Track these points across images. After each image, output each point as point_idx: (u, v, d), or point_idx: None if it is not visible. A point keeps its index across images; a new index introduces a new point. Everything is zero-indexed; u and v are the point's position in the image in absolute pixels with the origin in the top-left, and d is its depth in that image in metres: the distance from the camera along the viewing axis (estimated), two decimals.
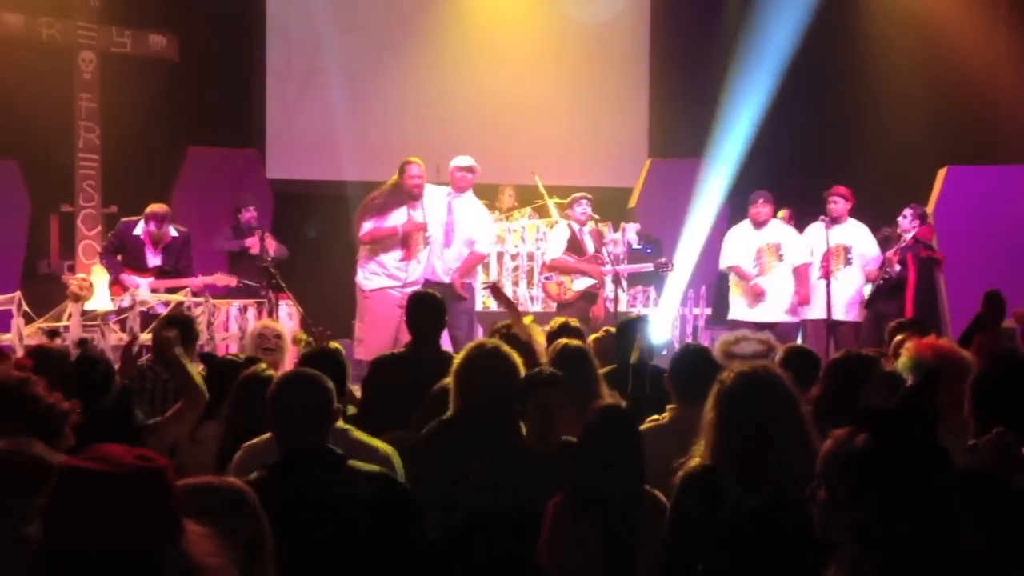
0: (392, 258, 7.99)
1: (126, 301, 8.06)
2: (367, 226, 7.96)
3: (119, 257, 8.70)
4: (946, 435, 3.27)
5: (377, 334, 7.74)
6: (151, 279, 8.53)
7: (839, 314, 8.50)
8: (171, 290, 8.47)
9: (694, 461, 3.07)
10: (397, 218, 7.97)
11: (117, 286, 8.51)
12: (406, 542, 3.05)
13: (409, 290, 7.71)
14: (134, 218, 8.81)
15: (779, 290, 8.86)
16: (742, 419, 2.95)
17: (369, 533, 2.96)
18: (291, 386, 3.18)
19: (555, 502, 3.25)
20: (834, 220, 8.64)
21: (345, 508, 2.96)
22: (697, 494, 2.99)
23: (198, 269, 8.99)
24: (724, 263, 9.11)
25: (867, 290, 8.79)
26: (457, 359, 3.91)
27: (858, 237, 8.81)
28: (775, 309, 8.83)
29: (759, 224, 8.94)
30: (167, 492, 1.85)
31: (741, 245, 9.01)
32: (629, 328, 4.79)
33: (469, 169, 8.26)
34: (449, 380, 3.90)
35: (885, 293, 8.78)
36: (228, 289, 8.83)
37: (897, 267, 8.79)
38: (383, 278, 7.98)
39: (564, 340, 4.65)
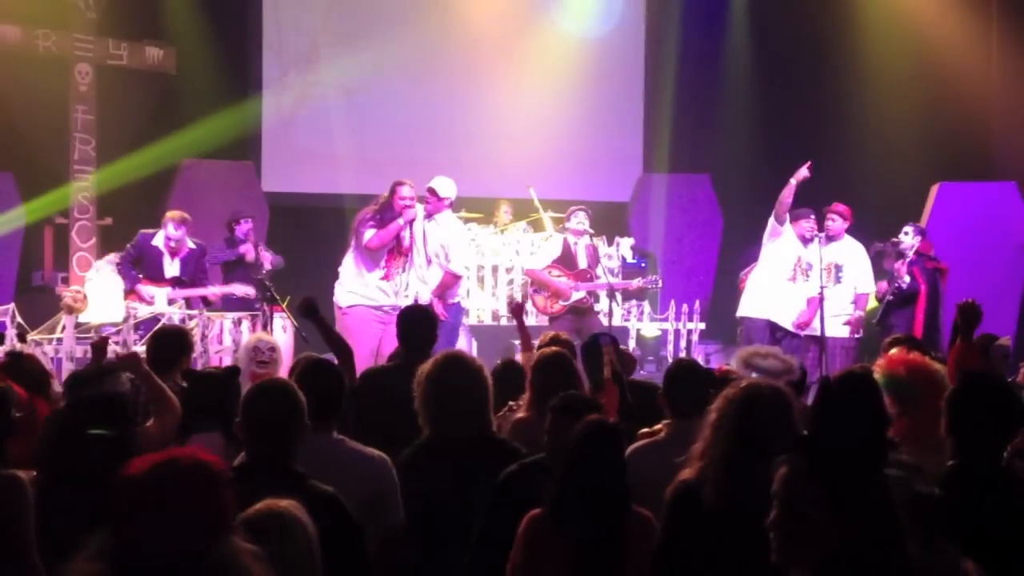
0: (374, 276, 7.80)
1: (120, 315, 8.06)
2: (370, 233, 7.70)
3: (134, 270, 8.71)
4: (923, 453, 3.29)
5: (355, 350, 7.66)
6: (169, 289, 8.58)
7: (827, 330, 8.46)
8: (189, 300, 8.58)
9: (684, 473, 3.05)
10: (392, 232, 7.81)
11: (133, 295, 8.52)
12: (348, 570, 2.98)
13: (387, 309, 7.63)
14: (152, 230, 8.82)
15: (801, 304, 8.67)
16: (736, 431, 2.93)
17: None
18: (260, 395, 3.19)
19: (531, 517, 3.14)
20: (830, 238, 8.56)
21: None
22: (686, 508, 2.97)
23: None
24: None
25: (850, 309, 8.69)
26: (423, 370, 3.85)
27: (851, 256, 8.74)
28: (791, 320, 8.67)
29: (808, 240, 8.57)
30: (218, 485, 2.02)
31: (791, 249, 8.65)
32: (593, 347, 4.86)
33: (431, 192, 7.91)
34: None
35: (897, 306, 8.79)
36: (244, 300, 8.84)
37: (907, 278, 8.78)
38: (359, 296, 7.78)
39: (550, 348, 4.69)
